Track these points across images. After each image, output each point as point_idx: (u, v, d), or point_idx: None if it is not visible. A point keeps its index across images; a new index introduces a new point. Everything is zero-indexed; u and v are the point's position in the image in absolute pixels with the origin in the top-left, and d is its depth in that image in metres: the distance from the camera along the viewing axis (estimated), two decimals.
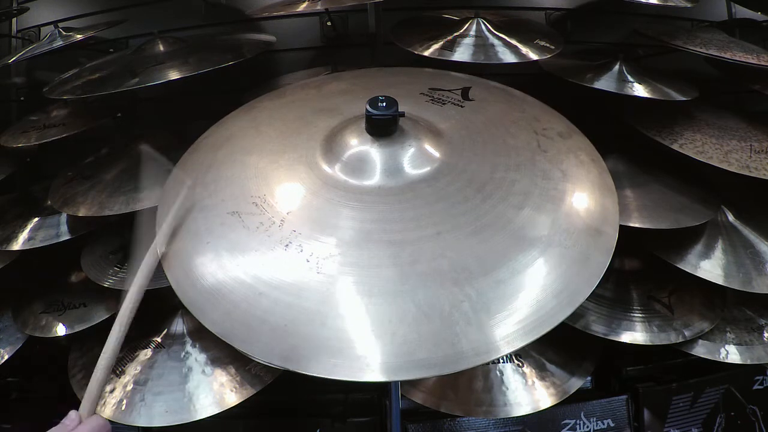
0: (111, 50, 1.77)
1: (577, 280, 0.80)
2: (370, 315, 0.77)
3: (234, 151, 1.04)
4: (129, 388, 1.26)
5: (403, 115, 0.93)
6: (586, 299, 0.80)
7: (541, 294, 0.78)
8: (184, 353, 1.31)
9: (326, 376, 0.73)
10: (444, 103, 1.09)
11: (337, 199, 0.90)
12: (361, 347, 0.75)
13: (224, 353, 1.29)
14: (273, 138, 1.04)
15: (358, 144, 0.95)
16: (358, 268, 0.81)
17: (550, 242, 0.83)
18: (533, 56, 1.37)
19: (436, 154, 0.96)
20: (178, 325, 1.36)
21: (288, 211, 0.89)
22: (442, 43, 1.38)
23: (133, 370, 1.29)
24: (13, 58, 1.44)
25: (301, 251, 0.83)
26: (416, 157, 0.94)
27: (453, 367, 0.73)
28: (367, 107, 0.92)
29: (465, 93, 1.13)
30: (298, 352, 0.75)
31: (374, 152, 0.94)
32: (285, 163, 0.98)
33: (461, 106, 1.10)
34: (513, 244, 0.83)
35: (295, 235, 0.85)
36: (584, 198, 0.92)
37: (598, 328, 1.29)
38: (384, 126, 0.94)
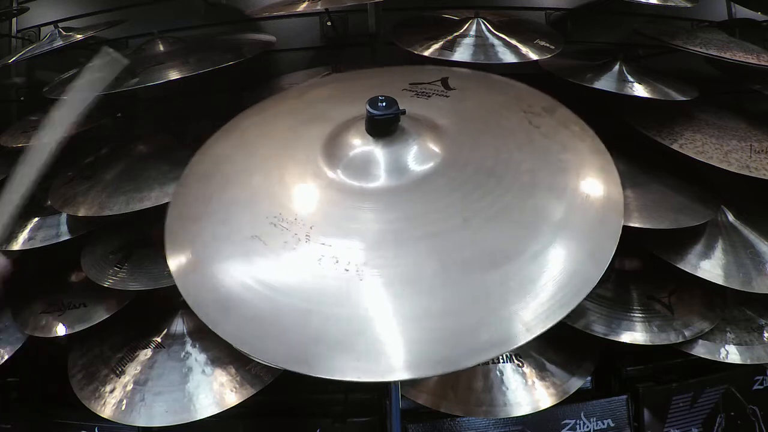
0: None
1: (600, 241, 0.84)
2: (425, 311, 0.77)
3: (231, 176, 1.00)
4: (129, 388, 1.26)
5: (404, 112, 0.93)
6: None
7: (574, 259, 0.81)
8: (184, 353, 1.31)
9: (405, 377, 0.74)
10: (429, 96, 1.09)
11: (356, 204, 0.89)
12: (426, 342, 0.75)
13: (224, 353, 1.29)
14: (269, 155, 1.01)
15: (361, 146, 0.94)
16: (399, 268, 0.80)
17: (568, 210, 0.86)
18: (533, 56, 1.37)
19: (439, 145, 0.96)
20: (178, 325, 1.36)
21: (311, 225, 0.86)
22: (442, 43, 1.38)
23: (133, 370, 1.29)
24: (13, 58, 1.44)
25: (337, 262, 0.81)
26: (421, 152, 0.94)
27: (512, 344, 0.75)
28: (368, 108, 0.91)
29: (445, 83, 1.13)
30: (368, 362, 0.74)
31: (379, 153, 0.93)
32: (291, 178, 0.96)
33: (446, 96, 1.10)
34: (537, 219, 0.85)
35: (326, 247, 0.83)
36: (586, 165, 0.95)
37: (598, 328, 1.29)
38: (386, 125, 0.93)
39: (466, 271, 0.80)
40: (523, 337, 0.74)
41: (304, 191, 0.94)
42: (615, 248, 0.81)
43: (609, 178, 0.92)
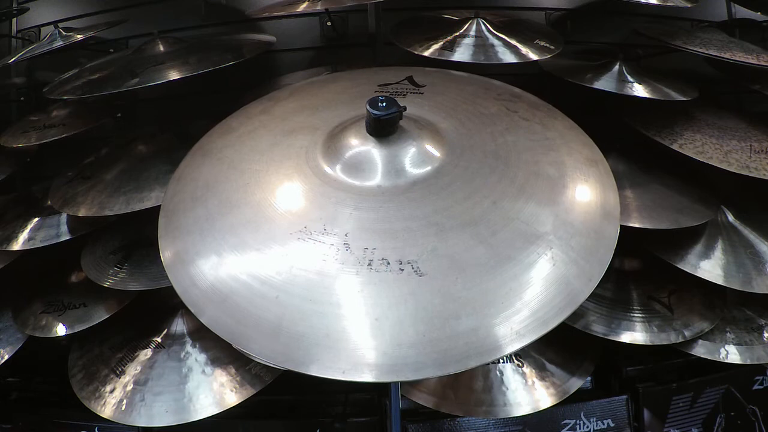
0: (111, 50, 1.77)
1: (606, 194, 0.93)
2: (492, 291, 0.78)
3: (229, 196, 0.95)
4: (129, 388, 1.26)
5: (405, 109, 0.93)
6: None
7: (593, 205, 0.90)
8: (184, 353, 1.31)
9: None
10: (405, 95, 1.10)
11: (385, 205, 0.88)
12: (504, 320, 0.76)
13: (224, 353, 1.29)
14: (264, 171, 0.97)
15: (367, 148, 0.94)
16: (452, 259, 0.80)
17: (573, 178, 0.93)
18: (533, 56, 1.37)
19: (442, 138, 0.97)
20: (178, 325, 1.36)
21: (346, 233, 0.84)
22: (442, 43, 1.38)
23: (133, 370, 1.29)
24: (13, 58, 1.44)
25: (388, 264, 0.80)
26: (428, 146, 0.95)
27: (574, 305, 0.79)
28: (370, 109, 0.91)
29: (412, 80, 1.15)
30: (456, 354, 0.74)
31: (384, 152, 0.94)
32: (302, 191, 0.93)
33: (421, 93, 1.11)
34: (553, 188, 0.91)
35: (370, 252, 0.81)
36: (569, 139, 1.01)
37: (598, 328, 1.29)
38: (389, 125, 0.93)
39: (512, 246, 0.82)
40: (583, 296, 0.79)
41: (326, 202, 0.90)
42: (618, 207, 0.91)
43: (592, 149, 1.00)
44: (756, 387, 1.48)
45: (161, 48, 1.45)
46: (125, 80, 1.27)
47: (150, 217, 1.07)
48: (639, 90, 1.31)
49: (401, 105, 0.92)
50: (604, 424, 1.41)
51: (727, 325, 1.38)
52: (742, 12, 1.82)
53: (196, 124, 1.33)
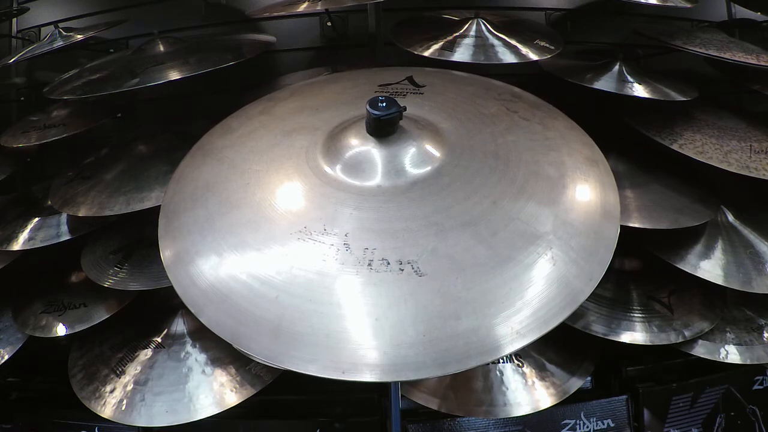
0: (111, 50, 1.77)
1: (606, 194, 0.93)
2: (492, 291, 0.78)
3: (229, 196, 0.95)
4: (129, 388, 1.26)
5: (405, 109, 0.93)
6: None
7: (593, 205, 0.90)
8: (184, 353, 1.31)
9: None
10: (405, 95, 1.11)
11: (385, 205, 0.88)
12: (504, 320, 0.76)
13: (224, 353, 1.29)
14: (265, 171, 0.98)
15: (367, 148, 0.94)
16: (452, 259, 0.80)
17: (573, 178, 0.93)
18: (533, 56, 1.37)
19: (442, 138, 0.97)
20: (178, 325, 1.36)
21: (346, 233, 0.84)
22: (442, 43, 1.38)
23: (133, 370, 1.29)
24: (14, 58, 1.44)
25: (388, 264, 0.80)
26: (429, 146, 0.95)
27: (574, 305, 0.79)
28: (370, 110, 0.91)
29: (412, 80, 1.15)
30: (456, 354, 0.74)
31: (384, 153, 0.94)
32: (301, 191, 0.93)
33: (421, 93, 1.11)
34: (553, 188, 0.91)
35: (371, 252, 0.82)
36: (569, 139, 1.02)
37: (598, 328, 1.29)
38: (389, 125, 0.93)
39: (512, 246, 0.82)
40: (583, 296, 0.79)
41: (326, 202, 0.90)
42: (618, 205, 0.91)
43: (593, 149, 1.00)
44: (756, 387, 1.48)
45: (161, 48, 1.45)
46: (125, 80, 1.27)
47: (150, 217, 1.07)
48: (639, 90, 1.31)
49: (401, 105, 0.92)
50: (604, 424, 1.41)
51: (727, 325, 1.38)
52: (742, 12, 1.83)
53: (196, 124, 1.33)
